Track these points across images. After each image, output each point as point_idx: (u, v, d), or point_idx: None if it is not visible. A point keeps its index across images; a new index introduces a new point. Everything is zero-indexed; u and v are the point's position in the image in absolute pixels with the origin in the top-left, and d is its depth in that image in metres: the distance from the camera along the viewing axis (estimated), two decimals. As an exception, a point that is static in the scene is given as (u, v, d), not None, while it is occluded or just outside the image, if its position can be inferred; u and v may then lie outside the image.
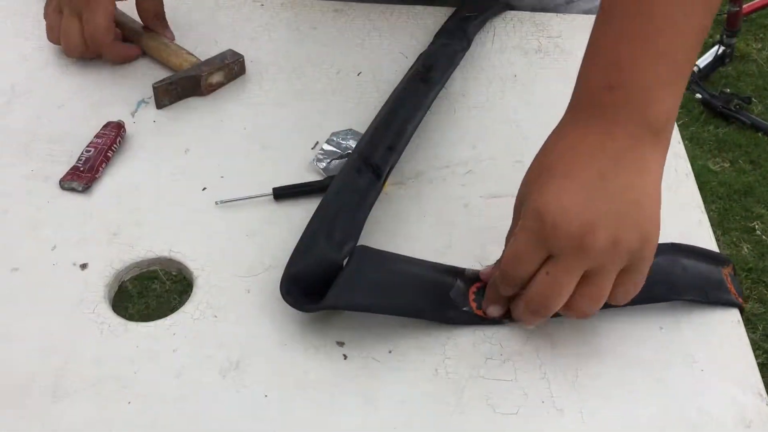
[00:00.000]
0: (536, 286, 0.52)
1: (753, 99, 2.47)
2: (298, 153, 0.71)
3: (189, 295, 0.59)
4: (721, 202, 2.12)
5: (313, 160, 0.69)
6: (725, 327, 0.58)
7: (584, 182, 0.50)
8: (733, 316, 0.59)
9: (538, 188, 0.52)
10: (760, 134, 2.34)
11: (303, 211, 0.64)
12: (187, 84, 0.75)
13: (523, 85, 0.79)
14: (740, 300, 0.60)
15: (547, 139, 0.55)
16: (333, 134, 0.72)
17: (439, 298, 0.57)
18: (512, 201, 0.65)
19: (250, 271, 0.61)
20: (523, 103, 0.77)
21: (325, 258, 0.57)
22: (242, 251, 0.62)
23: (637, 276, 0.52)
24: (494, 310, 0.57)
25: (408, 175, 0.69)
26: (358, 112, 0.75)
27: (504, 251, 0.55)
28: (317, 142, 0.72)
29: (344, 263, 0.57)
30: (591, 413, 0.52)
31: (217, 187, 0.67)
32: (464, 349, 0.56)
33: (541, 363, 0.55)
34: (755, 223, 2.05)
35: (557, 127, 0.55)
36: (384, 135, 0.66)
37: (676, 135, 0.72)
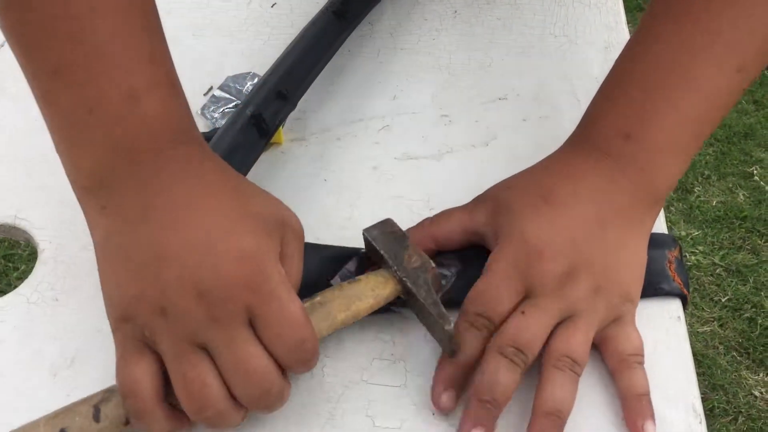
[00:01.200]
0: (510, 327, 0.43)
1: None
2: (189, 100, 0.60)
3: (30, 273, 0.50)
4: (719, 144, 2.00)
5: (201, 108, 0.59)
6: (663, 323, 0.49)
7: (583, 223, 0.45)
8: (673, 310, 0.49)
9: (531, 212, 0.46)
10: (765, 71, 2.20)
11: (182, 171, 0.55)
12: None
13: (462, 24, 0.68)
14: (684, 290, 0.50)
15: (548, 159, 0.50)
16: (229, 78, 0.61)
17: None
18: (432, 164, 0.56)
19: (107, 245, 0.51)
20: (461, 46, 0.66)
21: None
22: (102, 219, 0.53)
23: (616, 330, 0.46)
24: (448, 399, 0.44)
25: (312, 130, 0.59)
26: (266, 51, 0.64)
27: (475, 285, 0.45)
28: (211, 87, 0.61)
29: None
30: (490, 430, 0.44)
31: (84, 140, 0.57)
32: (347, 346, 0.47)
33: (406, 369, 0.46)
34: (754, 168, 1.94)
35: (561, 152, 0.50)
36: (279, 81, 0.55)
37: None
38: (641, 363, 0.45)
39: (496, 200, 0.47)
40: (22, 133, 0.58)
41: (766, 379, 1.48)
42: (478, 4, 0.70)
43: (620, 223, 0.46)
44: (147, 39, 0.41)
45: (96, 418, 0.39)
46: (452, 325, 0.43)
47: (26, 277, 0.50)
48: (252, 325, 0.39)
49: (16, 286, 0.49)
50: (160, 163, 0.40)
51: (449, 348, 0.44)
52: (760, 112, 2.09)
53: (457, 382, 0.44)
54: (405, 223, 0.53)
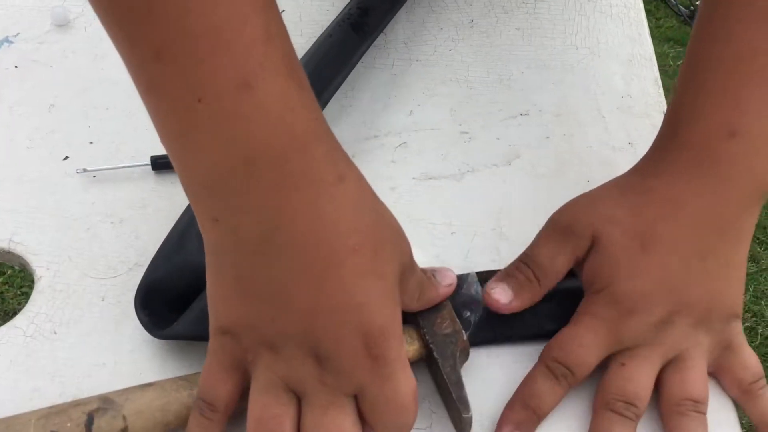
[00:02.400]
0: (613, 381, 0.41)
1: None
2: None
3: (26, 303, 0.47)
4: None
5: (207, 125, 0.56)
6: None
7: (680, 264, 0.41)
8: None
9: (627, 263, 0.42)
10: None
11: (188, 191, 0.51)
12: None
13: (480, 35, 0.65)
14: None
15: (648, 176, 0.44)
16: (236, 92, 0.58)
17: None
18: (452, 185, 0.53)
19: (109, 272, 0.48)
20: (479, 58, 0.63)
21: (196, 263, 0.44)
22: (104, 244, 0.49)
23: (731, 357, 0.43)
24: None
25: (325, 147, 0.56)
26: (275, 62, 0.61)
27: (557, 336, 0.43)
28: (217, 101, 0.58)
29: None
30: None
31: (83, 156, 0.54)
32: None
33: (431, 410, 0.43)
34: None
35: (660, 164, 0.44)
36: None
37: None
38: (765, 386, 0.43)
39: (594, 235, 0.43)
40: (18, 150, 0.55)
41: (766, 388, 1.47)
42: (495, 13, 0.67)
43: (723, 244, 0.42)
44: (259, 13, 0.33)
45: (88, 428, 0.37)
46: (470, 412, 0.39)
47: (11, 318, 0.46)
48: (358, 393, 0.36)
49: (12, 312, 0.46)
50: (284, 180, 0.34)
51: None
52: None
53: (526, 428, 0.41)
54: (425, 248, 0.50)
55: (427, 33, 0.65)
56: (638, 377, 0.41)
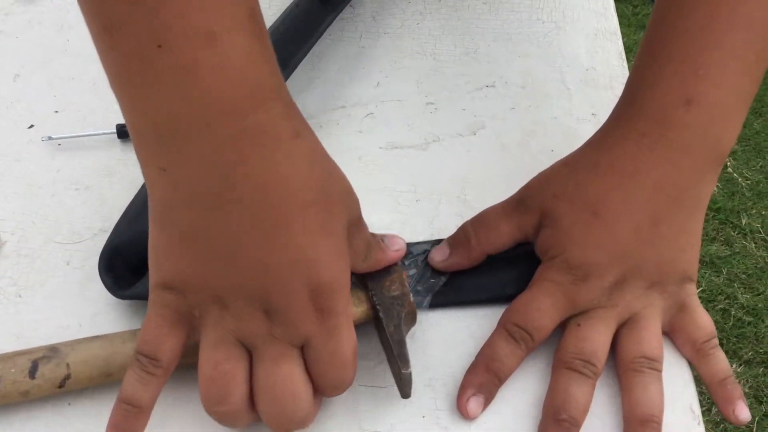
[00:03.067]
0: (570, 341, 0.42)
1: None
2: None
3: (-10, 267, 0.47)
4: (691, 137, 2.01)
5: (174, 94, 0.56)
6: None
7: (633, 228, 0.42)
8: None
9: (578, 232, 0.42)
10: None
11: (155, 160, 0.51)
12: None
13: (447, 9, 0.65)
14: None
15: (598, 148, 0.45)
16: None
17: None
18: (418, 154, 0.54)
19: (74, 237, 0.48)
20: (446, 31, 0.63)
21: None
22: (69, 210, 0.49)
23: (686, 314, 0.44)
24: (476, 404, 0.41)
25: (292, 117, 0.56)
26: (243, 34, 0.61)
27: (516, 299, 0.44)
28: (185, 71, 0.58)
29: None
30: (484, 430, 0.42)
31: (49, 125, 0.54)
32: (332, 345, 0.45)
33: (428, 365, 0.44)
34: (727, 159, 1.96)
35: (611, 136, 0.44)
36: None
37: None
38: (716, 346, 0.44)
39: (543, 211, 0.44)
40: (-19, 118, 0.54)
41: (739, 369, 1.49)
42: (463, -12, 0.67)
43: (677, 211, 0.43)
44: None
45: (32, 374, 0.38)
46: (410, 368, 0.40)
47: (-14, 271, 0.46)
48: (304, 345, 0.37)
49: (-26, 282, 0.46)
50: (242, 134, 0.33)
51: (403, 391, 0.41)
52: (730, 105, 2.10)
53: (490, 391, 0.42)
54: (390, 214, 0.51)
55: (395, 7, 0.65)
56: (594, 336, 0.42)
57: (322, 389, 0.38)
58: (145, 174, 0.36)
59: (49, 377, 0.38)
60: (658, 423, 0.41)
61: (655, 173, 0.42)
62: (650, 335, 0.43)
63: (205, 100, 0.32)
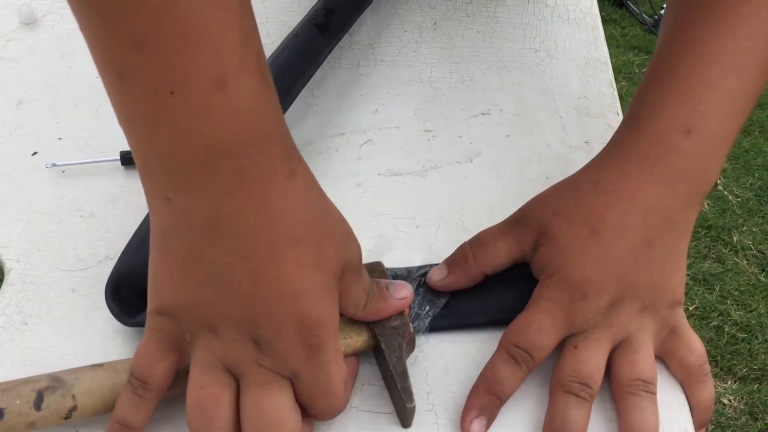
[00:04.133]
0: (567, 363, 0.43)
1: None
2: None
3: (-4, 295, 0.47)
4: (678, 156, 2.03)
5: (176, 121, 0.57)
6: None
7: (628, 250, 0.44)
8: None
9: (577, 249, 0.44)
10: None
11: (158, 186, 0.52)
12: None
13: (442, 37, 0.67)
14: None
15: (598, 168, 0.47)
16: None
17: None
18: (416, 181, 0.55)
19: (79, 264, 0.49)
20: (442, 59, 0.65)
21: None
22: (74, 237, 0.50)
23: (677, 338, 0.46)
24: (480, 426, 0.42)
25: (292, 144, 0.57)
26: (243, 61, 0.62)
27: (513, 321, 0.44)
28: (186, 98, 0.59)
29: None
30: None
31: (52, 151, 0.55)
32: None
33: (429, 390, 0.45)
34: (718, 177, 1.98)
35: (612, 157, 0.47)
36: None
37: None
38: (708, 372, 0.45)
39: (541, 229, 0.46)
40: (-16, 144, 0.55)
41: (734, 386, 1.50)
42: (457, 17, 0.69)
43: (669, 233, 0.44)
44: (239, 17, 0.34)
45: (37, 406, 0.38)
46: (414, 402, 0.41)
47: (-9, 298, 0.47)
48: (293, 378, 0.38)
49: (-20, 309, 0.46)
50: (241, 171, 0.35)
51: (405, 423, 0.42)
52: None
53: (491, 412, 0.43)
54: (390, 240, 0.52)
55: (391, 35, 0.67)
56: (590, 359, 0.43)
57: (314, 415, 0.40)
58: (149, 203, 0.38)
59: (54, 408, 0.38)
60: None
61: (652, 195, 0.44)
62: (644, 358, 0.44)
63: (211, 141, 0.34)
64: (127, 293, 0.45)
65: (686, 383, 0.46)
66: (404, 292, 0.43)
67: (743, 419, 1.46)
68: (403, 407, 0.41)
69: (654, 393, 0.43)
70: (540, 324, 0.43)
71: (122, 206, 0.52)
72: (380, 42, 0.66)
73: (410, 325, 0.43)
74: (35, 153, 0.55)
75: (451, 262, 0.47)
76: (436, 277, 0.47)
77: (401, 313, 0.43)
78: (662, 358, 0.46)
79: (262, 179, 0.36)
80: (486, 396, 0.43)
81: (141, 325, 0.44)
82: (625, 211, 0.44)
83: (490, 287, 0.47)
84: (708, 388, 0.46)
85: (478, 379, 0.44)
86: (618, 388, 0.44)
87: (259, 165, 0.36)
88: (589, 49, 0.67)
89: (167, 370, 0.39)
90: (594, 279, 0.43)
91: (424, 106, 0.61)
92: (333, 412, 0.40)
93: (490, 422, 0.43)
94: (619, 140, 0.47)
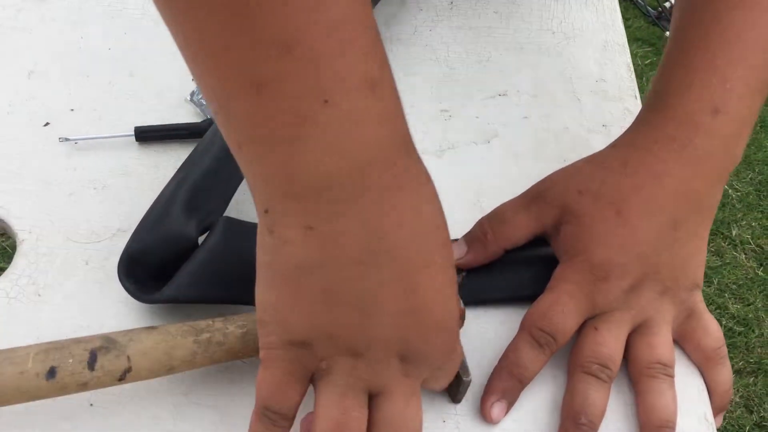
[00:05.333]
0: (587, 345, 0.43)
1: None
2: (176, 85, 0.57)
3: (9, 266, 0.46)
4: (678, 148, 2.04)
5: (191, 95, 0.56)
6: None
7: (653, 232, 0.43)
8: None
9: (601, 230, 0.43)
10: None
11: (172, 160, 0.52)
12: None
13: (459, 17, 0.66)
14: None
15: (626, 147, 0.46)
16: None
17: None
18: (433, 161, 0.54)
19: (93, 237, 0.48)
20: (458, 39, 0.64)
21: (179, 234, 0.44)
22: (86, 209, 0.49)
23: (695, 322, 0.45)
24: (500, 410, 0.42)
25: (308, 121, 0.56)
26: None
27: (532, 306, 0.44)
28: (200, 72, 0.58)
29: (201, 240, 0.45)
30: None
31: (64, 123, 0.54)
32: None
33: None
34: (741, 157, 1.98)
35: (640, 136, 0.46)
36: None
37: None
38: (725, 355, 0.45)
39: (564, 207, 0.45)
40: (-5, 114, 0.54)
41: (730, 379, 1.51)
42: (474, -3, 0.68)
43: (694, 215, 0.44)
44: (370, 9, 0.31)
45: (91, 366, 0.36)
46: (470, 376, 0.41)
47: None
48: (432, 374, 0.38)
49: (-8, 279, 0.46)
50: (396, 181, 0.32)
51: (457, 398, 0.42)
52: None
53: (513, 396, 0.42)
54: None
55: (407, 14, 0.66)
56: (610, 341, 0.43)
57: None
58: (280, 235, 0.33)
59: (109, 369, 0.37)
60: (673, 428, 0.42)
61: (680, 177, 0.43)
62: (663, 341, 0.44)
63: (364, 151, 0.31)
64: (140, 272, 0.44)
65: (703, 366, 0.45)
66: (459, 250, 0.44)
67: (738, 412, 1.46)
68: (459, 381, 0.41)
69: (672, 376, 0.43)
70: (564, 307, 0.42)
71: (136, 179, 0.51)
72: (396, 21, 0.65)
73: (460, 300, 0.42)
74: (47, 124, 0.54)
75: (471, 239, 0.47)
76: (456, 255, 0.46)
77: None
78: (679, 341, 0.46)
79: (412, 188, 0.33)
80: (508, 380, 0.42)
81: (155, 302, 0.43)
82: (652, 194, 0.43)
83: (508, 264, 0.47)
84: (725, 371, 0.45)
85: (500, 361, 0.43)
86: (636, 371, 0.43)
87: (409, 170, 0.33)
88: (607, 32, 0.66)
89: (301, 397, 0.37)
90: (618, 261, 0.42)
91: (440, 85, 0.60)
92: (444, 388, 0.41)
93: (510, 405, 0.43)
94: (646, 120, 0.46)
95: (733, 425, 1.45)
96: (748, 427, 1.45)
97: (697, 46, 0.45)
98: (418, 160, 0.35)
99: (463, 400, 0.43)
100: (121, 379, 0.37)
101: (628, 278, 0.43)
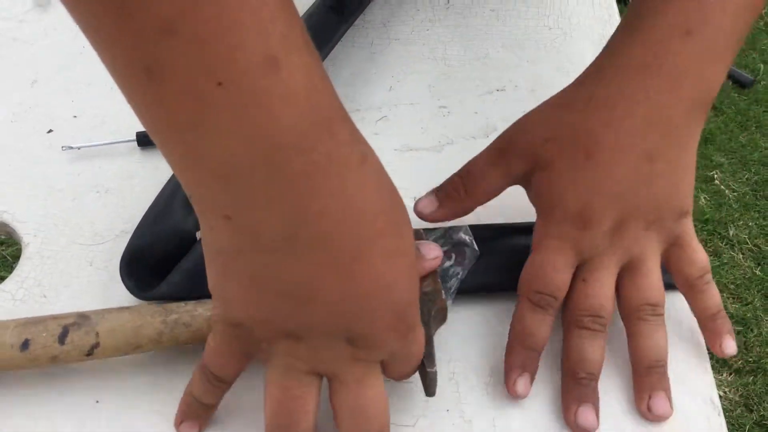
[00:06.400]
0: (578, 298, 0.42)
1: (719, 42, 2.38)
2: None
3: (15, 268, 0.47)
4: (681, 149, 2.03)
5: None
6: (676, 315, 0.48)
7: (629, 167, 0.41)
8: (686, 304, 0.49)
9: (573, 175, 0.42)
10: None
11: (173, 163, 0.52)
12: None
13: (456, 15, 0.67)
14: None
15: (594, 78, 0.44)
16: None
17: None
18: (432, 156, 0.55)
19: (96, 239, 0.48)
20: (456, 38, 0.65)
21: (179, 230, 0.45)
22: (90, 212, 0.50)
23: (683, 249, 0.44)
24: (524, 384, 0.42)
25: (308, 121, 0.57)
26: (256, 41, 0.62)
27: (526, 265, 0.44)
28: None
29: (199, 236, 0.45)
30: (506, 424, 0.42)
31: (67, 130, 0.55)
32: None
33: (450, 358, 0.45)
34: (714, 172, 1.98)
35: (608, 64, 0.43)
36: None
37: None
38: (710, 281, 0.44)
39: (533, 157, 0.43)
40: (2, 124, 0.55)
41: (729, 379, 1.50)
42: (470, -4, 0.69)
43: (672, 146, 0.42)
44: None
45: (61, 340, 0.39)
46: (435, 367, 0.40)
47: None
48: (388, 357, 0.37)
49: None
50: (312, 168, 0.30)
51: (428, 390, 0.41)
52: (719, 118, 2.14)
53: (532, 366, 0.42)
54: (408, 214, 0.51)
55: (404, 14, 0.66)
56: (600, 290, 0.42)
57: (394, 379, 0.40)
58: (203, 223, 0.33)
59: (78, 344, 0.39)
60: (664, 366, 0.43)
61: (652, 105, 0.41)
62: (651, 281, 0.43)
63: (271, 134, 0.29)
64: (141, 269, 0.45)
65: (687, 294, 0.45)
66: (435, 251, 0.41)
67: (738, 411, 1.45)
68: (424, 372, 0.41)
69: (662, 315, 0.43)
70: (554, 264, 0.42)
71: (138, 182, 0.52)
72: (393, 21, 0.66)
73: (443, 293, 0.42)
74: (50, 131, 0.54)
75: (443, 194, 0.46)
76: (427, 210, 0.45)
77: (435, 280, 0.42)
78: (666, 267, 0.45)
79: (337, 173, 0.31)
80: (523, 351, 0.42)
81: (156, 298, 0.44)
82: (622, 128, 0.41)
83: (515, 252, 0.47)
84: (709, 296, 0.44)
85: (510, 336, 0.43)
86: (626, 313, 0.43)
87: (330, 155, 0.30)
88: (603, 27, 0.66)
89: (240, 368, 0.38)
90: (594, 205, 0.41)
91: (438, 83, 0.61)
92: (408, 375, 0.40)
93: (533, 376, 0.42)
94: (614, 48, 0.44)
95: (733, 424, 1.44)
96: (748, 426, 1.44)
97: None
98: (350, 142, 0.32)
99: (468, 389, 0.43)
100: (89, 354, 0.39)
101: (608, 221, 0.42)
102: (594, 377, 0.42)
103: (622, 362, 0.44)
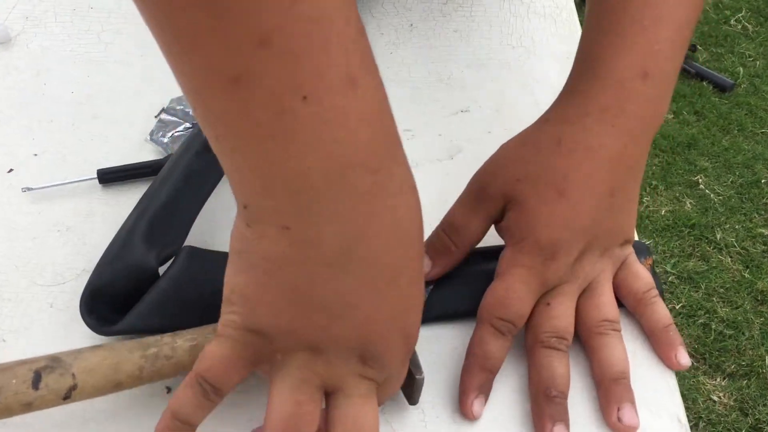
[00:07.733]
0: (542, 320, 0.44)
1: (698, 47, 2.39)
2: (139, 124, 0.58)
3: (-27, 313, 0.46)
4: (665, 155, 2.04)
5: (150, 134, 0.56)
6: (643, 333, 0.48)
7: (593, 204, 0.44)
8: (653, 319, 0.48)
9: (545, 212, 0.43)
10: (704, 83, 2.26)
11: (135, 198, 0.51)
12: None
13: (419, 38, 0.67)
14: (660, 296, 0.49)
15: (558, 123, 0.45)
16: (174, 100, 0.58)
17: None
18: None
19: (57, 279, 0.48)
20: (420, 60, 0.65)
21: (140, 266, 0.44)
22: (51, 252, 0.49)
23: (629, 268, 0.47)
24: (479, 405, 0.42)
25: (271, 150, 0.57)
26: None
27: (485, 295, 0.44)
28: (163, 110, 0.59)
29: (162, 271, 0.45)
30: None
31: (28, 168, 0.54)
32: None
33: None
34: (699, 176, 1.99)
35: (573, 108, 0.45)
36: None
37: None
38: (656, 296, 0.46)
39: (506, 197, 0.45)
40: (-41, 164, 0.54)
41: (723, 383, 1.50)
42: (433, 17, 0.69)
43: (629, 180, 0.45)
44: (356, 12, 0.30)
45: (35, 385, 0.36)
46: (423, 374, 0.41)
47: (-31, 317, 0.46)
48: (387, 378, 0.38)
49: (-43, 328, 0.45)
50: (376, 188, 0.31)
51: (412, 398, 0.42)
52: (701, 123, 2.15)
53: (488, 387, 0.43)
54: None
55: (368, 37, 0.66)
56: (564, 313, 0.44)
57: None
58: (256, 230, 0.33)
59: (53, 388, 0.36)
60: (628, 379, 0.43)
61: (616, 146, 0.44)
62: (607, 300, 0.45)
63: (344, 151, 0.30)
64: (101, 305, 0.44)
65: (636, 310, 0.47)
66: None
67: (733, 415, 1.45)
68: (412, 379, 0.41)
69: (619, 330, 0.45)
70: (519, 293, 0.43)
71: (99, 219, 0.51)
72: (357, 45, 0.66)
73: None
74: (11, 170, 0.54)
75: (434, 253, 0.47)
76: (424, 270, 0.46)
77: None
78: (615, 290, 0.47)
79: (393, 194, 0.32)
80: (480, 374, 0.43)
81: (117, 333, 0.43)
82: (591, 169, 0.44)
83: (471, 277, 0.47)
84: (659, 308, 0.46)
85: (468, 358, 0.44)
86: (586, 331, 0.45)
87: (392, 176, 0.32)
88: (566, 43, 0.66)
89: (240, 379, 0.36)
90: (564, 239, 0.43)
91: (402, 105, 0.61)
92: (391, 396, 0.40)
93: (487, 398, 0.43)
94: (576, 90, 0.46)
95: (728, 429, 1.44)
96: (743, 431, 1.43)
97: (617, 9, 0.45)
98: (405, 167, 0.34)
99: (434, 416, 0.42)
100: (67, 397, 0.37)
101: (573, 252, 0.43)
102: (564, 396, 0.42)
103: (580, 381, 0.44)
